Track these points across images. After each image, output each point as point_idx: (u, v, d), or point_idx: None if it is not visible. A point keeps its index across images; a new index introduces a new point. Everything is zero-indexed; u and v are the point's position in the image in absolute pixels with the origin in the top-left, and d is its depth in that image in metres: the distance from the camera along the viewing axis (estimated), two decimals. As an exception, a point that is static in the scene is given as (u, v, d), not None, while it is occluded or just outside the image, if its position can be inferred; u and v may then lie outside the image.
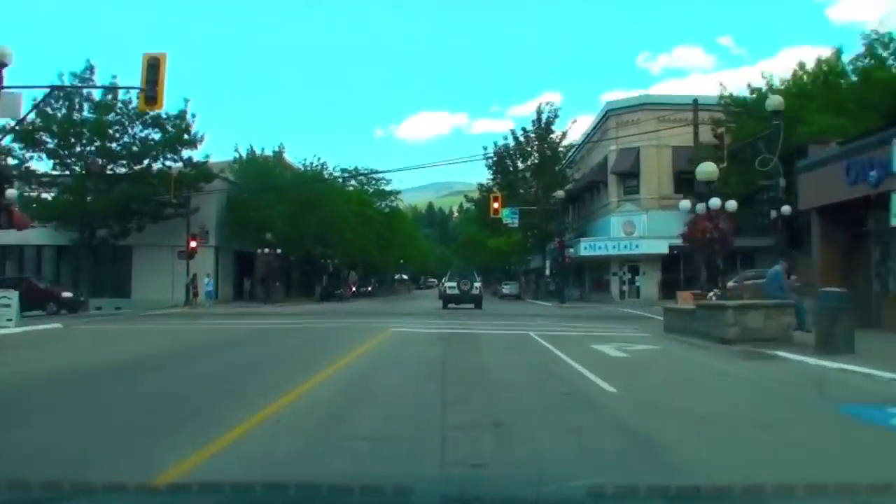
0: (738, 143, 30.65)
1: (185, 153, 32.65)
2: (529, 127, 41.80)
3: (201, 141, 32.51)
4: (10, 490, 2.15)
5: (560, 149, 42.61)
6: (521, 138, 41.94)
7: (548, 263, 37.98)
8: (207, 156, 33.11)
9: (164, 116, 32.27)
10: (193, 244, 30.87)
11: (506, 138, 42.49)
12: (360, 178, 58.50)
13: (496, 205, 33.55)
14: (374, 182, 61.45)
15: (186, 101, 32.75)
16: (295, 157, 41.95)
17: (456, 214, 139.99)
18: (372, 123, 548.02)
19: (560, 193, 35.72)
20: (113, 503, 2.09)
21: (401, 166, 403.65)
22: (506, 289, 52.13)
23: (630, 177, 34.61)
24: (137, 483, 2.89)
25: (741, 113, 30.06)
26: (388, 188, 62.32)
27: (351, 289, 60.40)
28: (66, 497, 2.12)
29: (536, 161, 42.36)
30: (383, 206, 62.89)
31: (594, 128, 37.43)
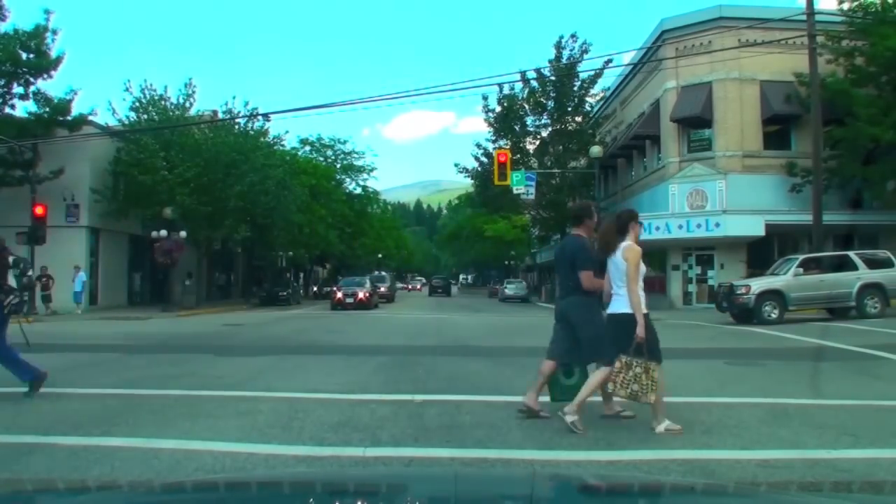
0: (881, 66, 22.72)
1: (38, 86, 24.03)
2: (546, 69, 33.36)
3: (57, 64, 23.78)
4: (5, 488, 2.60)
5: (588, 98, 34.21)
6: (535, 84, 33.50)
7: (573, 253, 29.55)
8: (72, 90, 24.35)
9: (11, 33, 23.84)
10: (40, 211, 22.06)
11: (512, 88, 34.09)
12: (317, 144, 50.16)
13: (503, 159, 25.07)
14: (342, 154, 53.21)
15: (47, 13, 24.16)
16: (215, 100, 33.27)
17: (444, 212, 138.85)
18: (360, 123, 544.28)
19: (597, 150, 27.22)
20: (107, 502, 2.15)
21: (389, 164, 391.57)
22: (510, 289, 43.91)
23: (698, 125, 26.18)
24: (131, 482, 3.24)
25: (877, 23, 21.84)
26: (360, 162, 53.99)
27: (312, 289, 52.24)
28: (60, 496, 2.33)
29: (555, 115, 33.99)
30: (353, 184, 54.56)
31: (641, 60, 29.01)
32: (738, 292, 17.57)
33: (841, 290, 17.25)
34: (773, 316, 16.97)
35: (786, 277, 17.50)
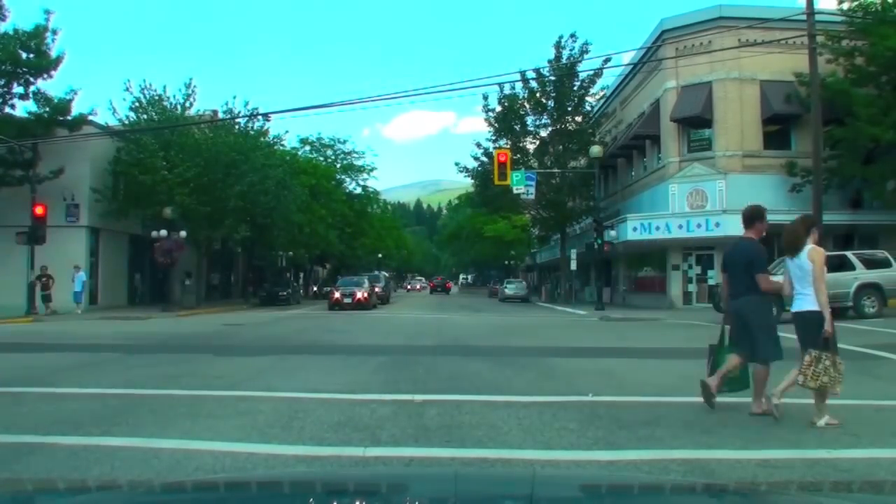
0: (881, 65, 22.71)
1: (38, 86, 24.03)
2: (546, 69, 33.35)
3: (58, 64, 23.78)
4: (5, 488, 2.61)
5: (588, 98, 34.22)
6: (535, 84, 33.50)
7: (573, 253, 29.65)
8: (72, 90, 24.34)
9: (11, 33, 23.83)
10: (40, 211, 22.03)
11: (513, 88, 34.06)
12: (317, 144, 50.14)
13: (503, 159, 24.99)
14: (342, 154, 53.20)
15: (47, 13, 24.14)
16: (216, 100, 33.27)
17: (444, 212, 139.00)
18: (360, 123, 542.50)
19: (597, 150, 27.24)
20: (107, 502, 2.16)
21: (389, 164, 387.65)
22: (509, 289, 43.90)
23: (698, 125, 26.20)
24: (131, 481, 3.26)
25: (877, 23, 21.84)
26: (361, 162, 53.95)
27: (312, 289, 52.27)
28: (60, 495, 2.32)
29: (555, 115, 34.00)
30: (353, 184, 54.56)
31: (641, 60, 29.02)
32: None
33: (838, 291, 17.16)
34: None
35: (782, 277, 17.39)
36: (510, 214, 44.97)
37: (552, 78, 33.04)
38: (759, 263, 6.30)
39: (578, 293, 36.98)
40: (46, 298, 23.48)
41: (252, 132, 30.42)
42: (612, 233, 26.41)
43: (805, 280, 5.89)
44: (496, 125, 35.12)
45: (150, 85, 27.76)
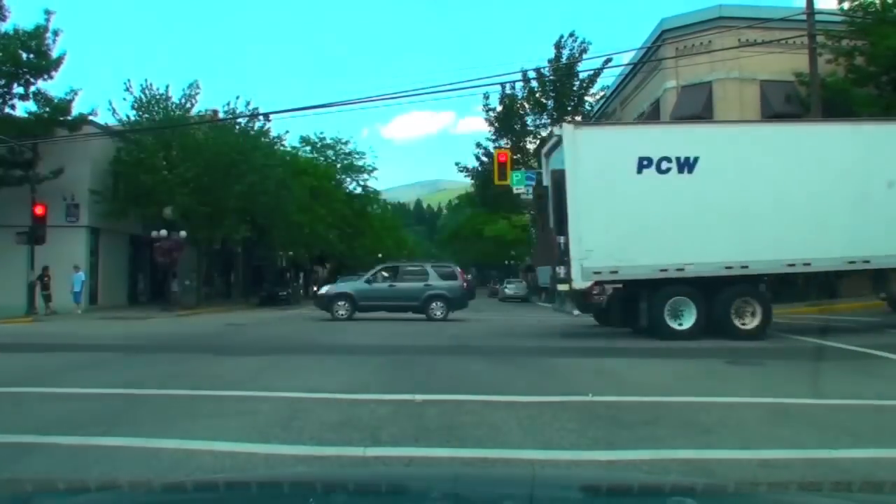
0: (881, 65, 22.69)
1: (38, 86, 24.04)
2: (546, 69, 33.47)
3: (58, 64, 23.77)
4: (5, 488, 2.61)
5: (588, 98, 34.34)
6: (535, 84, 33.62)
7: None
8: (73, 90, 24.33)
9: (11, 34, 23.84)
10: (39, 211, 22.04)
11: (513, 87, 34.14)
12: (318, 144, 50.10)
13: (503, 159, 24.99)
14: (343, 154, 53.12)
15: (48, 13, 24.14)
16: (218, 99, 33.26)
17: (444, 212, 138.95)
18: (359, 123, 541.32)
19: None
20: (107, 502, 2.16)
21: (389, 164, 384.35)
22: (509, 289, 44.05)
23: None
24: (131, 481, 3.13)
25: (877, 23, 21.84)
26: (361, 162, 53.87)
27: (312, 289, 52.41)
28: (60, 495, 2.32)
29: (555, 115, 34.06)
30: (354, 184, 54.49)
31: (641, 60, 29.05)
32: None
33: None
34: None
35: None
36: (510, 214, 44.98)
37: (552, 77, 33.14)
38: None
39: (578, 293, 37.00)
40: (47, 298, 23.50)
41: (252, 132, 30.45)
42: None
43: None
44: (496, 125, 35.24)
45: (151, 85, 27.81)
